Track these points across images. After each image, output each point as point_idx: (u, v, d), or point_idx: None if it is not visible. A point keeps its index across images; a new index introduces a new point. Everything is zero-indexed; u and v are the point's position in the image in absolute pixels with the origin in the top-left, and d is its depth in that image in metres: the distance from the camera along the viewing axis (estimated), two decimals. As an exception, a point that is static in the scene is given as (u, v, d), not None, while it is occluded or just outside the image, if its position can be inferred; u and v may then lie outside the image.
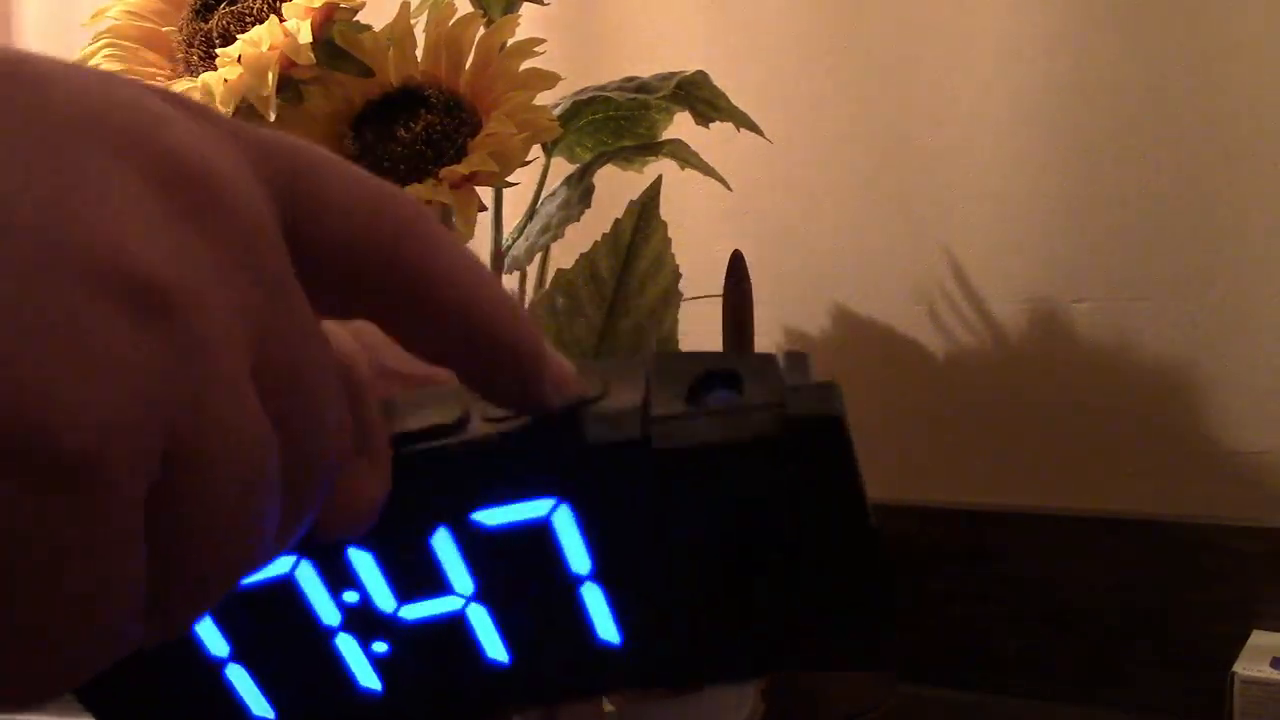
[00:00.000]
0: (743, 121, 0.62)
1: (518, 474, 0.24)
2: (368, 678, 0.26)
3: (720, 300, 0.60)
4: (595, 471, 0.24)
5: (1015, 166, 0.72)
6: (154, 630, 0.19)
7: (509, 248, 0.61)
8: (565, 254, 0.61)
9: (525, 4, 0.60)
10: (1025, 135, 0.72)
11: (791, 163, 0.77)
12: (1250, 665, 0.58)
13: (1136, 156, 0.69)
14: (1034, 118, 0.72)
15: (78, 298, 0.17)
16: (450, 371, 0.23)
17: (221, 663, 0.26)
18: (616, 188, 0.65)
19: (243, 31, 0.53)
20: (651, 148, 0.64)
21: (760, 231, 0.78)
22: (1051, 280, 0.72)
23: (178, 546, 0.18)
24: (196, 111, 0.20)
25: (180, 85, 0.53)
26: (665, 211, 0.62)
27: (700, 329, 0.61)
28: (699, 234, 0.73)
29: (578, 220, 0.59)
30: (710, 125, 0.61)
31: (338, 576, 0.25)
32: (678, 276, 0.62)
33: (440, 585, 0.25)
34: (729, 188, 0.65)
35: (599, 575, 0.25)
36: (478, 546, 0.25)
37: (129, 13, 0.58)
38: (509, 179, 0.54)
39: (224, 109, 0.51)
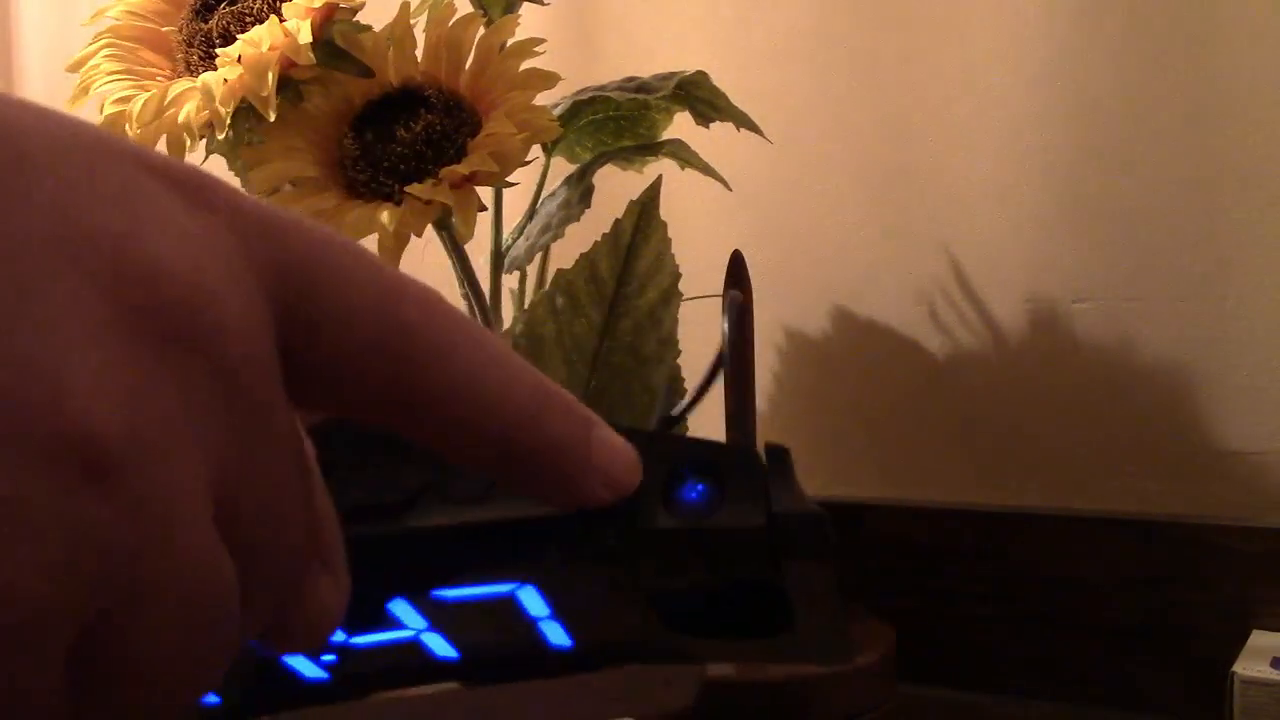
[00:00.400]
0: (743, 121, 0.62)
1: (479, 561, 0.23)
2: (312, 671, 0.26)
3: (720, 300, 0.60)
4: (566, 566, 0.22)
5: (1015, 167, 0.72)
6: None
7: (509, 248, 0.61)
8: (565, 254, 0.61)
9: (525, 4, 0.60)
10: (1025, 135, 0.72)
11: (791, 163, 0.77)
12: (1250, 665, 0.58)
13: (1137, 156, 0.69)
14: (1034, 118, 0.72)
15: (8, 459, 0.15)
16: None
17: None
18: (616, 188, 0.65)
19: (243, 31, 0.53)
20: (651, 148, 0.64)
21: (760, 231, 0.78)
22: (1051, 280, 0.72)
23: (111, 691, 0.17)
24: (193, 191, 0.18)
25: (180, 85, 0.53)
26: (665, 211, 0.62)
27: (700, 329, 0.61)
28: (699, 234, 0.73)
29: (578, 220, 0.59)
30: (710, 125, 0.61)
31: None
32: (678, 276, 0.62)
33: (394, 624, 0.24)
34: (729, 188, 0.65)
35: (568, 639, 0.24)
36: (440, 611, 0.23)
37: (129, 13, 0.58)
38: (509, 179, 0.54)
39: (224, 109, 0.51)
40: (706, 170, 0.65)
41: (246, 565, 0.18)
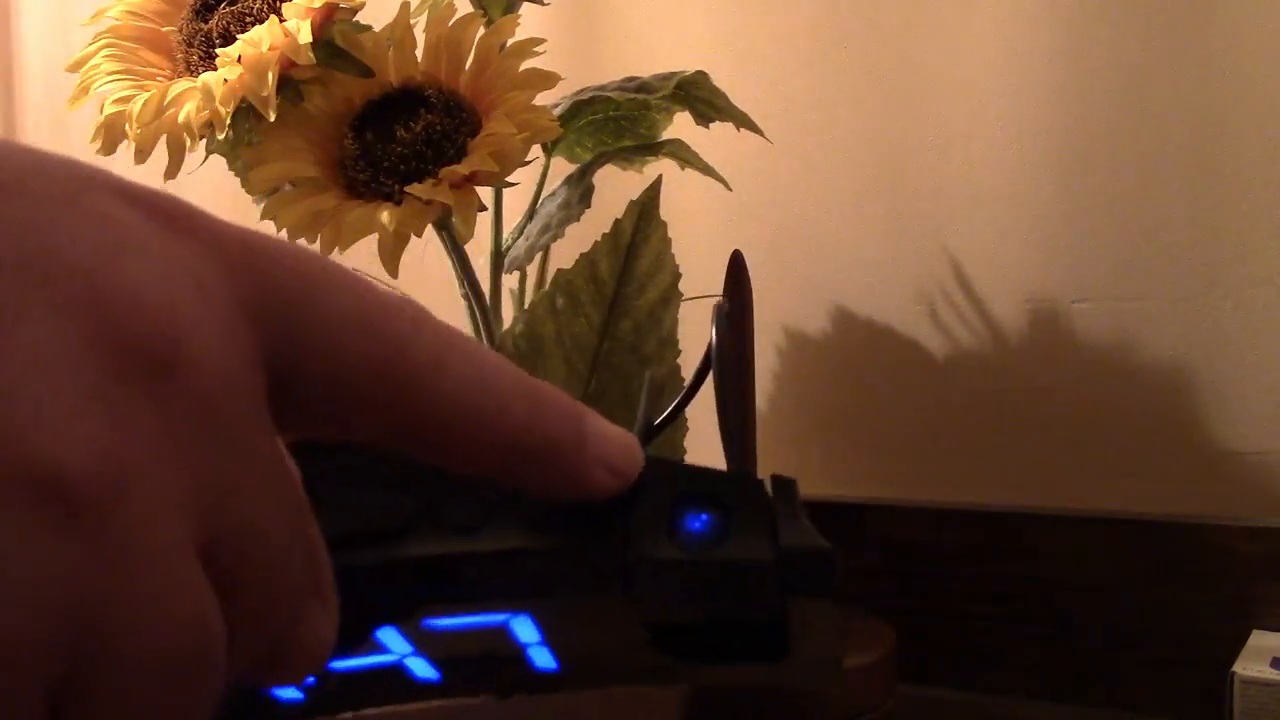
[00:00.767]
0: (743, 121, 0.62)
1: (472, 591, 0.22)
2: (287, 691, 0.25)
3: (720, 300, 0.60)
4: (562, 596, 0.22)
5: (1015, 166, 0.72)
6: None
7: (509, 248, 0.61)
8: (565, 254, 0.61)
9: (525, 4, 0.60)
10: (1026, 135, 0.72)
11: (791, 163, 0.77)
12: (1250, 665, 0.58)
13: (1137, 156, 0.69)
14: (1034, 118, 0.72)
15: None
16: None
17: None
18: (616, 188, 0.65)
19: (243, 31, 0.53)
20: (651, 148, 0.64)
21: (760, 231, 0.78)
22: (1051, 280, 0.72)
23: None
24: (173, 219, 0.18)
25: (180, 85, 0.53)
26: (665, 211, 0.62)
27: (700, 329, 0.61)
28: (699, 234, 0.73)
29: (578, 220, 0.59)
30: (710, 125, 0.61)
31: None
32: (678, 276, 0.62)
33: (378, 649, 0.24)
34: (729, 188, 0.65)
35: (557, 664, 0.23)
36: (429, 640, 0.23)
37: (129, 13, 0.58)
38: (509, 179, 0.54)
39: (224, 109, 0.51)
40: (706, 170, 0.65)
41: (236, 606, 0.18)
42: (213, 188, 0.52)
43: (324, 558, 0.21)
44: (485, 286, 0.60)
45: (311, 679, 0.23)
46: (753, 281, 0.57)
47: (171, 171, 0.52)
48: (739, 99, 0.62)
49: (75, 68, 0.57)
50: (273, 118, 0.52)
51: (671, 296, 0.61)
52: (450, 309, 0.60)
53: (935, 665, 0.73)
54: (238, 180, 0.57)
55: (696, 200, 0.73)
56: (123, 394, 0.16)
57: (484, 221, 0.56)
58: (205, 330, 0.17)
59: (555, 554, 0.22)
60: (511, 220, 0.62)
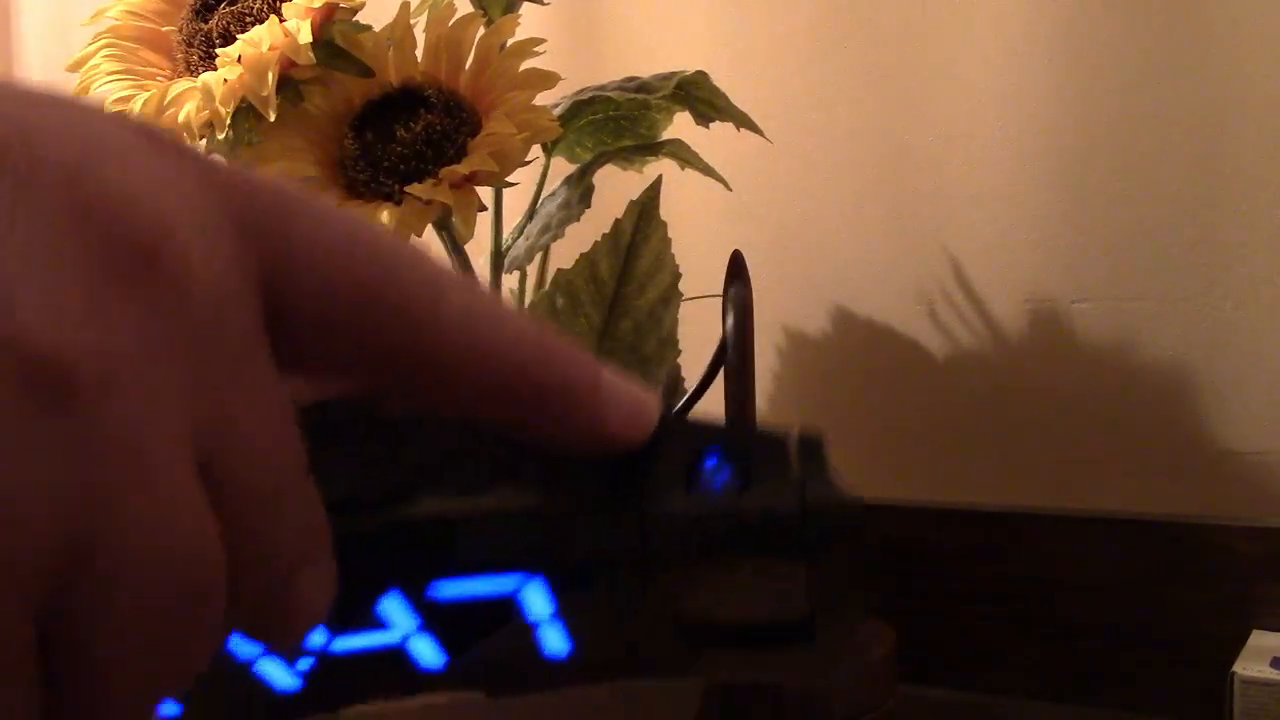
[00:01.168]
0: (743, 121, 0.62)
1: (482, 554, 0.21)
2: (286, 681, 0.23)
3: (720, 300, 0.60)
4: (577, 558, 0.21)
5: (1015, 166, 0.72)
6: None
7: (509, 248, 0.61)
8: (565, 254, 0.61)
9: (525, 4, 0.60)
10: (1026, 135, 0.72)
11: (791, 163, 0.77)
12: (1250, 665, 0.58)
13: (1137, 156, 0.69)
14: (1034, 118, 0.72)
15: None
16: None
17: None
18: (616, 188, 0.65)
19: (243, 31, 0.53)
20: (651, 148, 0.64)
21: (760, 231, 0.78)
22: (1051, 280, 0.72)
23: (76, 682, 0.15)
24: (163, 142, 0.18)
25: (180, 85, 0.53)
26: (665, 211, 0.62)
27: (700, 329, 0.61)
28: (699, 234, 0.73)
29: (578, 220, 0.59)
30: (710, 125, 0.61)
31: None
32: (678, 276, 0.62)
33: (381, 626, 0.22)
34: (729, 188, 0.65)
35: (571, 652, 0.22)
36: (434, 613, 0.22)
37: (129, 13, 0.58)
38: (509, 179, 0.54)
39: (224, 109, 0.51)
40: (706, 170, 0.65)
41: (233, 545, 0.17)
42: (213, 188, 0.52)
43: (321, 515, 0.19)
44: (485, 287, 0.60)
45: (311, 663, 0.22)
46: (753, 281, 0.57)
47: (171, 171, 0.52)
48: (739, 99, 0.62)
49: (75, 68, 0.57)
50: (273, 118, 0.52)
51: (671, 296, 0.61)
52: (450, 309, 0.59)
53: (935, 665, 0.73)
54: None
55: (696, 200, 0.73)
56: (113, 287, 0.16)
57: (484, 221, 0.56)
58: (193, 235, 0.17)
59: (569, 513, 0.20)
60: (511, 220, 0.62)
